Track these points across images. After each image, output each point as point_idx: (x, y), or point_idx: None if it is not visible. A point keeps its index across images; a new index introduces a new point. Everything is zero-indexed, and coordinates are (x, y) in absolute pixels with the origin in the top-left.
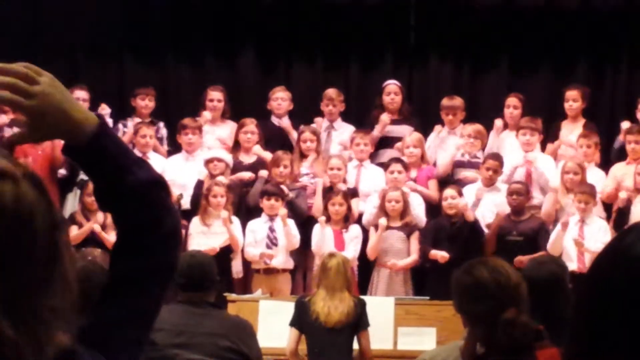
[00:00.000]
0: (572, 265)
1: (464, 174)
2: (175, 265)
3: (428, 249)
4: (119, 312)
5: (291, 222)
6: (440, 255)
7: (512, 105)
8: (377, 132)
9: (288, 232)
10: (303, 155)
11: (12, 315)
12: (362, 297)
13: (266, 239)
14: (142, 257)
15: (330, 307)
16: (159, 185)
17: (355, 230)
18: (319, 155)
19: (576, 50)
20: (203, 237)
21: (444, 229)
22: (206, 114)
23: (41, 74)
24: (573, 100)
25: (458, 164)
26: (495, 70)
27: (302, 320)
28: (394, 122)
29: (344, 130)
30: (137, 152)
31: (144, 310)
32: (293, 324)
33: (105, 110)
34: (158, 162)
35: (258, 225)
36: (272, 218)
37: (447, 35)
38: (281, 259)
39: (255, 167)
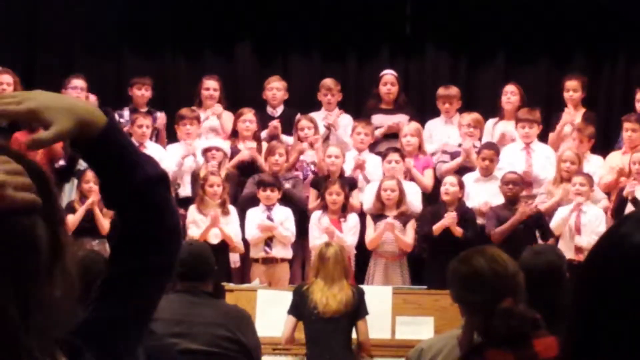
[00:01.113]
0: (569, 253)
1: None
2: (175, 260)
3: (429, 230)
4: (121, 309)
5: (287, 214)
6: (449, 219)
7: (510, 92)
8: (379, 132)
9: (280, 235)
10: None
11: (21, 308)
12: (360, 286)
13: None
14: (145, 254)
15: (328, 296)
16: (164, 181)
17: (353, 219)
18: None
19: (574, 41)
20: (201, 225)
21: (441, 216)
22: (209, 112)
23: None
24: (573, 90)
25: (457, 155)
26: (492, 60)
27: (300, 308)
28: (389, 112)
29: (342, 120)
30: (134, 142)
31: (145, 307)
32: (291, 312)
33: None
34: (156, 152)
35: (256, 214)
36: (269, 207)
37: (444, 26)
38: (279, 249)
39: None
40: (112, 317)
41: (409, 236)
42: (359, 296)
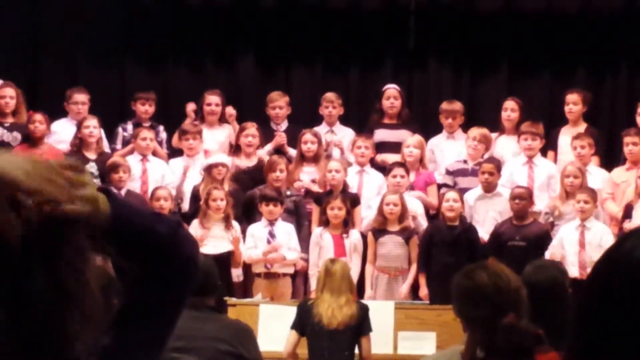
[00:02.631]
0: (573, 270)
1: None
2: (189, 292)
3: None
4: (137, 337)
5: (288, 230)
6: None
7: (510, 108)
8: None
9: (288, 261)
10: (304, 159)
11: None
12: (362, 301)
13: (266, 243)
14: (164, 287)
15: (334, 308)
16: (179, 228)
17: (355, 236)
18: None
19: (576, 54)
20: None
21: (441, 232)
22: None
23: None
24: (573, 103)
25: (462, 172)
26: (495, 74)
27: (304, 323)
28: (392, 126)
29: (344, 134)
30: (137, 155)
31: (162, 334)
32: (294, 327)
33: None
34: (158, 166)
35: (258, 230)
36: (271, 222)
37: (447, 40)
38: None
39: (255, 171)
40: (132, 343)
41: (413, 256)
42: (364, 312)
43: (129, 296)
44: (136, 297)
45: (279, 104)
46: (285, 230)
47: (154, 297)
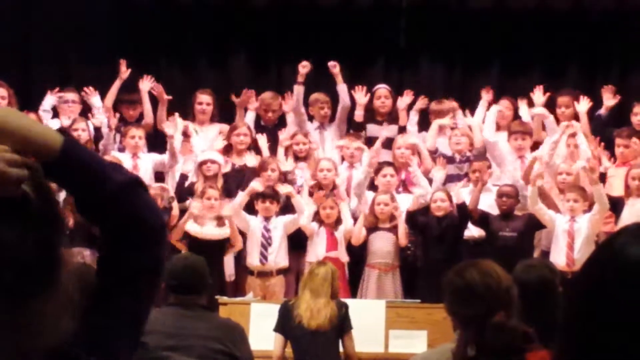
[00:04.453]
0: (560, 260)
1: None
2: (162, 261)
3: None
4: (113, 317)
5: (283, 220)
6: None
7: (504, 107)
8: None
9: (297, 202)
10: (296, 158)
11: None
12: (353, 299)
13: (261, 237)
14: (130, 258)
15: (313, 310)
16: (137, 184)
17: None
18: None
19: (568, 53)
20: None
21: (430, 227)
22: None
23: None
24: (565, 106)
25: (450, 161)
26: (487, 73)
27: (286, 325)
28: (381, 122)
29: (336, 132)
30: (128, 153)
31: (137, 312)
32: (277, 329)
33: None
34: (148, 163)
35: (253, 222)
36: (267, 219)
37: (438, 38)
38: (275, 254)
39: (246, 170)
40: (109, 324)
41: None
42: (344, 310)
43: (101, 276)
44: (107, 275)
45: (272, 108)
46: (278, 224)
47: (123, 269)
